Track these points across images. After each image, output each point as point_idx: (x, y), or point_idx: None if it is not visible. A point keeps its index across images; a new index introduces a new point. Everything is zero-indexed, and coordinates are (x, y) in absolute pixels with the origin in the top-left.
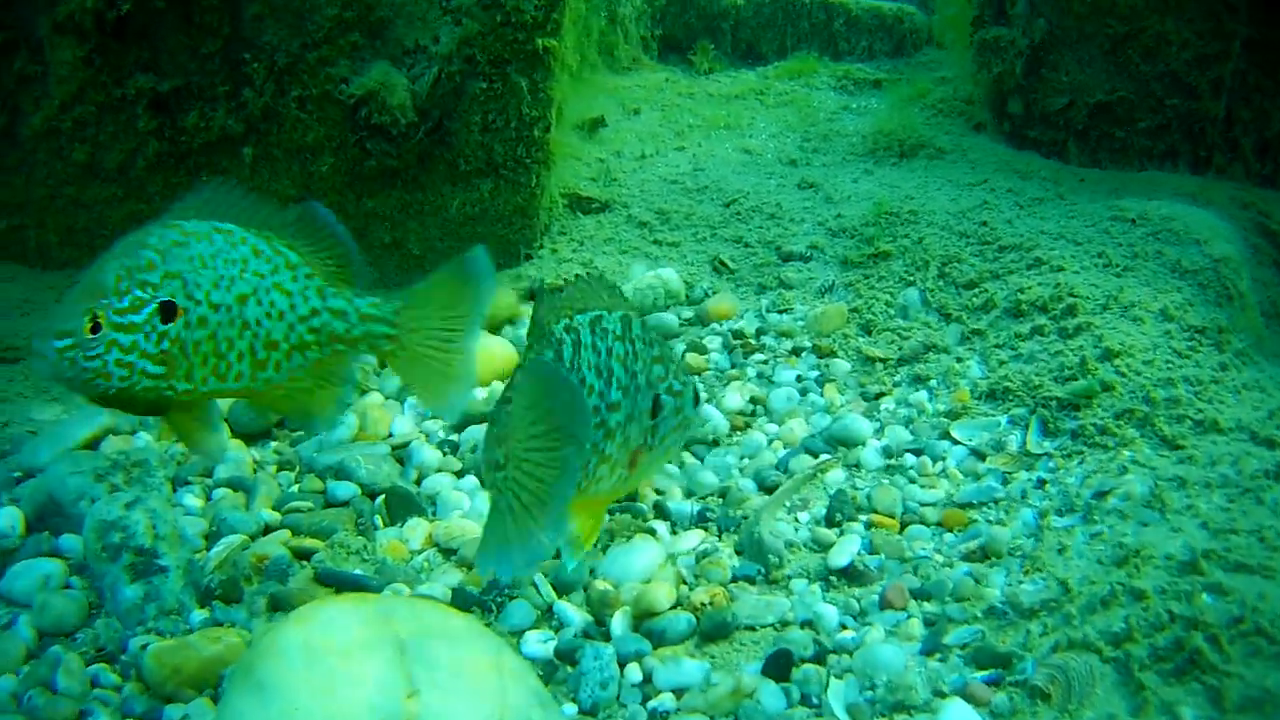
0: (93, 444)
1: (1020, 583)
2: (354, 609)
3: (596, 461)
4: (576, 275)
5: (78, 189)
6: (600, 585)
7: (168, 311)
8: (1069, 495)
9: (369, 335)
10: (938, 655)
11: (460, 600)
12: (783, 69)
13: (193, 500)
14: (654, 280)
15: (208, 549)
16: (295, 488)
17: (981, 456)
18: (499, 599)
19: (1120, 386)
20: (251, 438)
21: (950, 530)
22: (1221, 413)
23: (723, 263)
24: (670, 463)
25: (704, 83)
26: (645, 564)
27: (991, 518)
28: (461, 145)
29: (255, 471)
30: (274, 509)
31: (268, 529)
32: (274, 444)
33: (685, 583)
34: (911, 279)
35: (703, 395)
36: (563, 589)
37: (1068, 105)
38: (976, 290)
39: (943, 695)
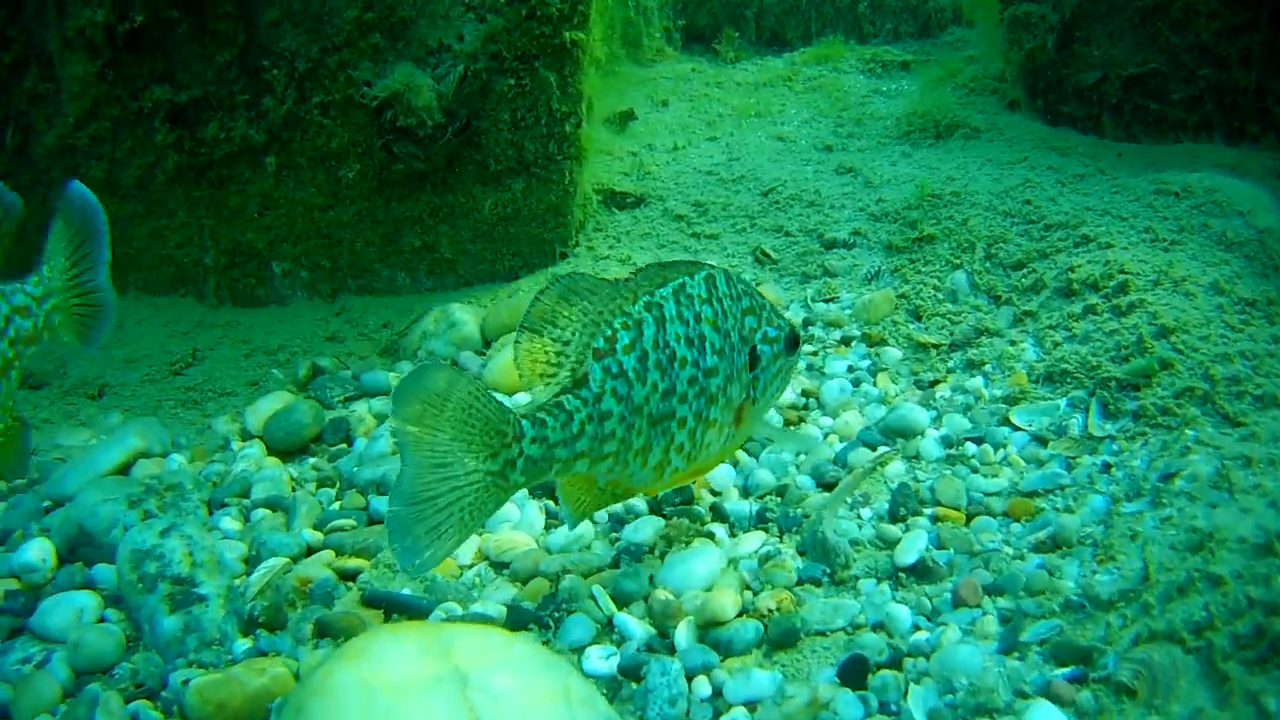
0: (124, 469)
1: (1095, 573)
2: (410, 640)
3: (702, 429)
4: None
5: None
6: (661, 595)
7: None
8: (1136, 479)
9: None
10: (1016, 654)
11: (515, 617)
12: (809, 54)
13: (230, 523)
14: None
15: (248, 574)
16: (337, 505)
17: (1044, 442)
18: (556, 614)
19: (1179, 364)
20: (288, 454)
21: (1018, 520)
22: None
23: (765, 253)
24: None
25: (730, 71)
26: (706, 570)
27: (1059, 505)
28: (491, 145)
29: (294, 490)
30: (315, 529)
31: (310, 550)
32: (312, 460)
33: (749, 588)
34: (958, 262)
35: (801, 334)
36: (622, 600)
37: (1100, 79)
38: (1025, 270)
39: (1026, 696)
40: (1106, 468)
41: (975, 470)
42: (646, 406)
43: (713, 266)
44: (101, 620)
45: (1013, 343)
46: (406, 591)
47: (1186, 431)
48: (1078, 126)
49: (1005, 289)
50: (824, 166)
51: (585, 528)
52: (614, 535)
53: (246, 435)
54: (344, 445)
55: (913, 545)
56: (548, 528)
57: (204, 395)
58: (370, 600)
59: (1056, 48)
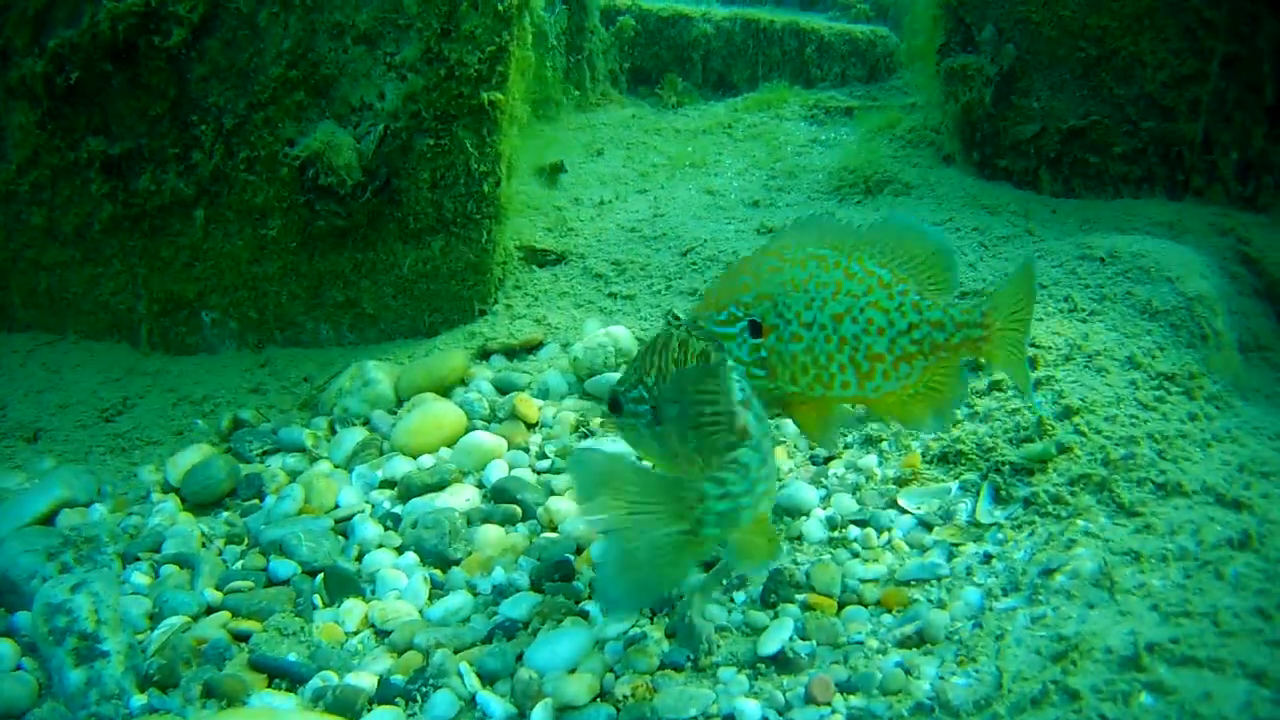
0: (49, 518)
1: (953, 675)
2: None
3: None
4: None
5: (37, 251)
6: (524, 674)
7: (755, 328)
8: (1015, 572)
9: (967, 340)
10: None
11: (384, 690)
12: (752, 100)
13: (140, 578)
14: (604, 339)
15: (151, 630)
16: (239, 564)
17: (929, 527)
18: (424, 689)
19: (1078, 448)
20: (204, 507)
21: (890, 610)
22: (1185, 472)
23: (676, 318)
24: None
25: (671, 118)
26: (570, 652)
27: (933, 597)
28: (411, 203)
29: (204, 545)
30: (217, 588)
31: (210, 609)
32: (225, 514)
33: (612, 670)
34: None
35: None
36: (488, 677)
37: (1039, 132)
38: None
39: None
40: (988, 558)
41: (855, 555)
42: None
43: None
44: (18, 668)
45: None
46: (292, 657)
47: (1077, 522)
48: (1014, 181)
49: None
50: (747, 225)
51: (463, 599)
52: (493, 609)
53: (167, 487)
54: (256, 500)
55: (777, 635)
56: (431, 598)
57: (132, 443)
58: (255, 664)
59: (994, 100)
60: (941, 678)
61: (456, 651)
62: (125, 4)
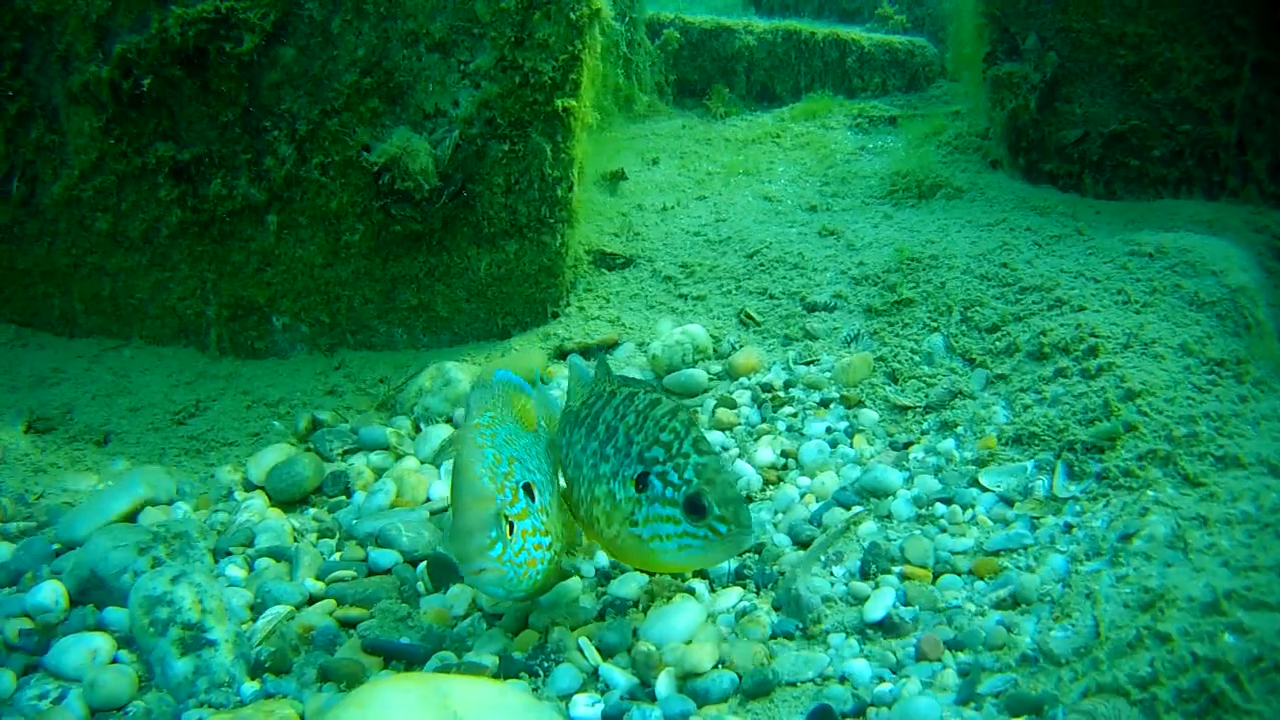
0: (131, 516)
1: (1051, 629)
2: (410, 689)
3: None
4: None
5: (101, 257)
6: (643, 647)
7: (529, 490)
8: (1095, 539)
9: None
10: (973, 705)
11: (507, 666)
12: (798, 110)
13: (235, 571)
14: (681, 337)
15: (254, 620)
16: (337, 556)
17: (1010, 503)
18: (545, 664)
19: (1143, 426)
20: (289, 504)
21: (982, 578)
22: (1242, 447)
23: (749, 315)
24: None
25: (720, 128)
26: (686, 624)
27: (1021, 564)
28: (485, 207)
29: (296, 540)
30: (318, 579)
31: (313, 599)
32: (313, 510)
33: (726, 640)
34: (935, 325)
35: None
36: (607, 651)
37: (1082, 137)
38: (999, 334)
39: None
40: (1068, 528)
41: (944, 530)
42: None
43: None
44: (114, 661)
45: (985, 405)
46: (405, 640)
47: (1147, 493)
48: (1059, 184)
49: (980, 352)
50: (808, 228)
51: (571, 582)
52: (601, 590)
53: (249, 485)
54: (343, 497)
55: (881, 602)
56: None
57: (207, 445)
58: (370, 647)
59: (1039, 107)
60: (1040, 632)
61: (573, 629)
62: (195, 10)
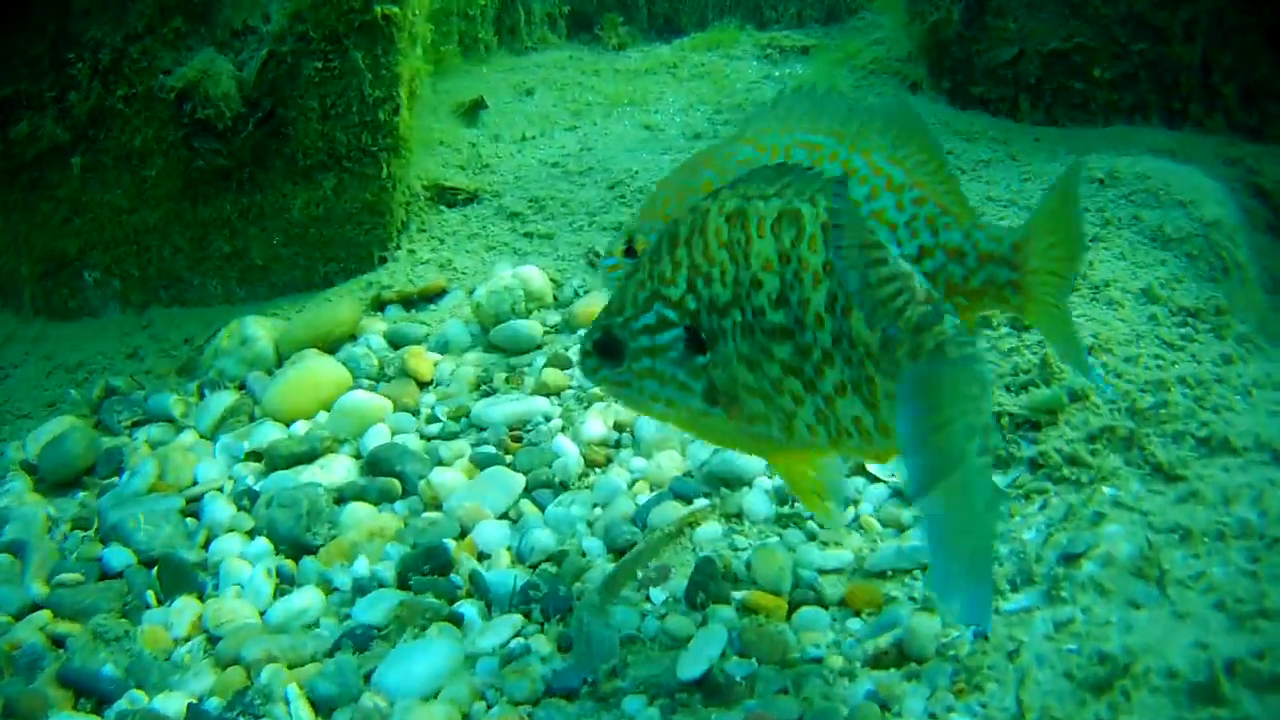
0: None
1: (948, 710)
2: None
3: None
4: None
5: None
6: (369, 702)
7: None
8: (1024, 558)
9: (991, 282)
10: None
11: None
12: (700, 40)
13: None
14: (512, 281)
15: None
16: (74, 555)
17: (908, 500)
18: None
19: (1095, 394)
20: (62, 486)
21: (858, 613)
22: (1231, 424)
23: (599, 255)
24: None
25: (612, 59)
26: (431, 670)
27: (916, 594)
28: (300, 136)
29: (49, 530)
30: (46, 581)
31: (36, 606)
32: (82, 494)
33: (482, 697)
34: None
35: None
36: (323, 706)
37: (1017, 56)
38: None
39: None
40: None
41: (811, 537)
42: None
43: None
44: None
45: None
46: (108, 669)
47: (1102, 489)
48: (990, 109)
49: None
50: (686, 155)
51: (311, 598)
52: (346, 611)
53: (29, 466)
54: (115, 478)
55: (702, 650)
56: (277, 594)
57: (2, 418)
58: (63, 678)
59: (964, 20)
60: (932, 715)
61: (291, 667)
62: None
